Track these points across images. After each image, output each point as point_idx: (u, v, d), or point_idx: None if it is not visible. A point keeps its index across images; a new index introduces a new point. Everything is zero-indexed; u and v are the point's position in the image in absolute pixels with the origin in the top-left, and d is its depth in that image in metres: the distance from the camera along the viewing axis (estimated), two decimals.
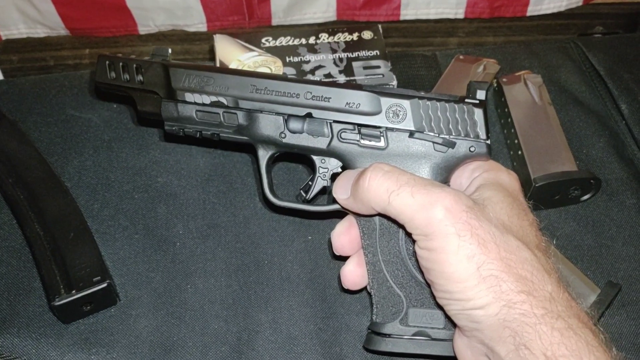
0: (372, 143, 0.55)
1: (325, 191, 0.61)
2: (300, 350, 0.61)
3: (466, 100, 0.54)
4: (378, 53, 0.77)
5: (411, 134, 0.54)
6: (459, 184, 0.56)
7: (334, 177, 0.58)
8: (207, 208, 0.71)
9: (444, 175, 0.55)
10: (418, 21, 1.09)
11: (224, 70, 0.61)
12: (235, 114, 0.59)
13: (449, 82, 0.81)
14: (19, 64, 1.04)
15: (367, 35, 0.79)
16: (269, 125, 0.58)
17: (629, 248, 0.69)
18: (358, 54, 0.77)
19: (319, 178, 0.60)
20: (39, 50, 1.04)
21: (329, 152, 0.58)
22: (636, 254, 0.69)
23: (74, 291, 0.59)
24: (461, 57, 0.85)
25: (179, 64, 0.60)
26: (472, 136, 0.54)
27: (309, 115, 0.57)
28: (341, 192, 0.55)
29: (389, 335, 0.54)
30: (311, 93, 0.56)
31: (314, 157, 0.59)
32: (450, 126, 0.54)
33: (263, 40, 0.78)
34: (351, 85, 0.57)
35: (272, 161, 0.61)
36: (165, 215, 0.70)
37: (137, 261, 0.66)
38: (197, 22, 1.04)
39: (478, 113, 0.54)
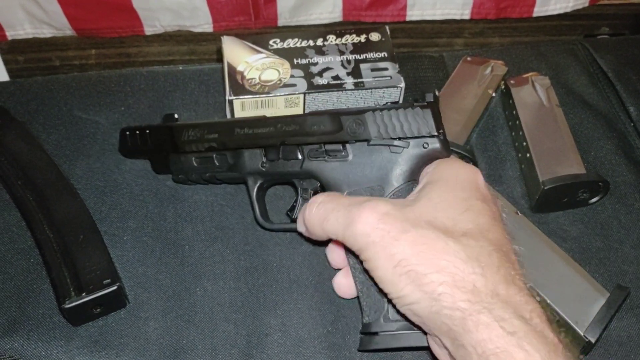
0: (337, 157, 0.61)
1: None
2: (309, 354, 0.61)
3: (415, 104, 0.59)
4: (386, 55, 0.76)
5: (368, 142, 0.59)
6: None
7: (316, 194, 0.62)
8: (215, 210, 0.71)
9: (407, 175, 0.58)
10: (424, 22, 1.09)
11: (214, 120, 0.68)
12: (225, 154, 0.66)
13: (456, 84, 0.81)
14: (24, 64, 1.04)
15: (374, 37, 0.79)
16: (251, 159, 0.65)
17: (637, 251, 0.69)
18: (366, 56, 0.76)
19: (302, 198, 0.66)
20: (45, 51, 1.04)
21: (304, 173, 0.63)
22: None
23: (84, 294, 0.59)
24: (468, 58, 0.84)
25: (181, 124, 0.68)
26: (424, 133, 0.57)
27: (283, 143, 0.63)
28: (300, 226, 0.60)
29: (376, 334, 0.56)
30: (283, 125, 0.63)
31: (294, 180, 0.65)
32: (404, 129, 0.58)
33: (271, 42, 0.78)
34: (316, 112, 0.64)
35: (261, 190, 0.67)
36: (173, 218, 0.70)
37: (146, 264, 0.66)
38: (203, 23, 1.04)
39: (426, 113, 0.58)
